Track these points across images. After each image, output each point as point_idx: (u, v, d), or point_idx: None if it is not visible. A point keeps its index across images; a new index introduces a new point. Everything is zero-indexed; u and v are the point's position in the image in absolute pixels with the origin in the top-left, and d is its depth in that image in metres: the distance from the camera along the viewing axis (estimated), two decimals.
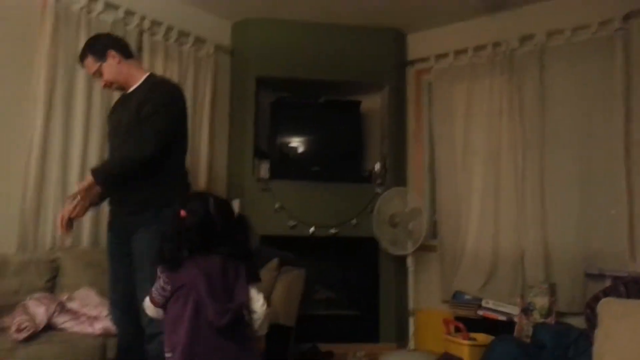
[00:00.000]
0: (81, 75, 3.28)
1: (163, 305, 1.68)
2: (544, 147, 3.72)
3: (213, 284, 1.62)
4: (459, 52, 4.21)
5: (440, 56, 4.32)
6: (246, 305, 1.68)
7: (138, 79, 2.36)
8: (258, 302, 1.72)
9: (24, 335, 2.23)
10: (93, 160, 3.32)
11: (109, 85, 2.36)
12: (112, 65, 2.30)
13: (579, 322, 3.07)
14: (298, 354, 3.64)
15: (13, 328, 2.25)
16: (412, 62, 4.57)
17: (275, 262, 3.44)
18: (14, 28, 3.07)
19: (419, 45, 4.54)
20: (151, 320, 1.87)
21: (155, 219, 2.10)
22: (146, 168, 2.15)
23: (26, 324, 2.26)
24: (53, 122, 3.16)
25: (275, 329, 3.22)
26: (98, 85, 3.30)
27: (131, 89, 2.36)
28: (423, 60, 4.46)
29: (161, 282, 1.66)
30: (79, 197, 2.13)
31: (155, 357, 1.97)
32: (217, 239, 1.69)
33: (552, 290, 3.42)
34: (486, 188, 3.95)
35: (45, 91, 3.11)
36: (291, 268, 3.53)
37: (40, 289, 2.68)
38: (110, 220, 2.38)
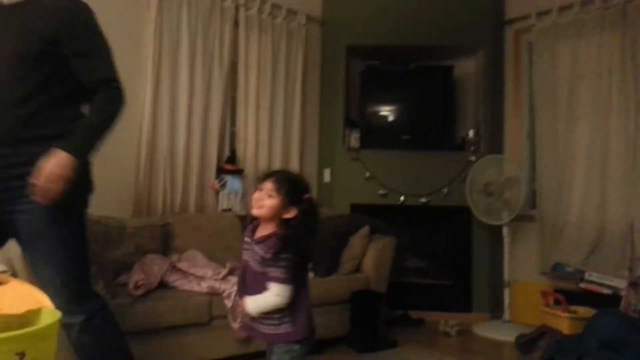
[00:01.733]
0: (184, 55, 3.50)
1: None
2: None
3: None
4: (563, 8, 3.90)
5: (543, 13, 4.02)
6: None
7: None
8: None
9: (140, 291, 2.49)
10: (196, 131, 3.56)
11: None
12: None
13: None
14: (389, 319, 3.72)
15: (131, 285, 2.52)
16: (511, 21, 4.31)
17: (366, 229, 3.50)
18: (124, 8, 3.31)
19: (518, 2, 4.26)
20: (72, 306, 1.72)
21: None
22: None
23: (142, 281, 2.53)
24: (160, 98, 3.42)
25: (367, 294, 3.32)
26: (199, 62, 3.56)
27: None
28: (523, 18, 4.19)
29: (290, 255, 1.66)
30: None
31: (89, 347, 1.81)
32: None
33: None
34: (592, 155, 3.69)
35: (153, 65, 3.36)
36: (382, 236, 3.58)
37: (153, 251, 2.95)
38: None
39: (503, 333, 3.58)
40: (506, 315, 3.82)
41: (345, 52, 4.26)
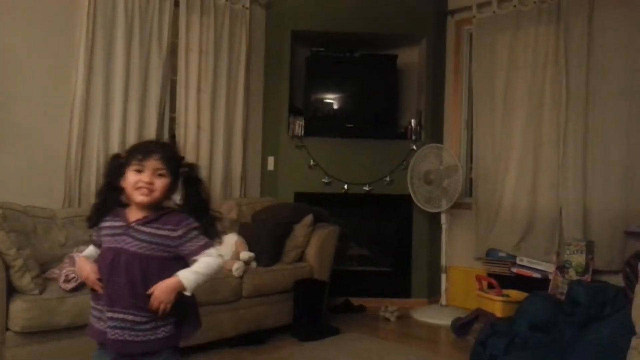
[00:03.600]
0: (120, 35, 3.32)
1: None
2: (588, 101, 3.56)
3: None
4: (503, 0, 4.00)
5: (483, 4, 4.13)
6: None
7: None
8: None
9: (71, 285, 2.36)
10: (133, 116, 3.41)
11: None
12: None
13: (616, 280, 3.05)
14: (332, 307, 3.75)
15: (61, 279, 2.39)
16: (453, 12, 4.39)
17: (309, 218, 3.49)
18: None
19: None
20: None
21: None
22: None
23: (73, 275, 2.40)
24: (94, 81, 3.23)
25: (310, 283, 3.32)
26: (136, 43, 3.39)
27: None
28: (464, 9, 4.28)
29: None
30: None
31: None
32: None
33: (590, 248, 3.37)
34: (526, 144, 3.84)
35: (85, 44, 3.16)
36: (325, 224, 3.58)
37: (85, 242, 2.81)
38: None
39: (440, 317, 3.70)
40: (443, 299, 3.95)
41: (290, 37, 4.20)
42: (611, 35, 3.49)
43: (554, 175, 3.71)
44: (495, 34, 4.06)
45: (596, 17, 3.55)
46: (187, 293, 1.45)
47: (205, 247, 1.49)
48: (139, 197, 1.48)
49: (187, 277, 1.44)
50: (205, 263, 1.47)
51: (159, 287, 1.42)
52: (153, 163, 1.48)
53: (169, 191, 1.52)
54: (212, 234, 1.54)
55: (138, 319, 1.45)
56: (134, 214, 1.52)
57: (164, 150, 1.52)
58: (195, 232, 1.50)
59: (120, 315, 1.45)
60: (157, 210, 1.52)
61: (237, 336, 2.99)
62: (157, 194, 1.49)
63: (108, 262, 1.48)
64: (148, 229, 1.48)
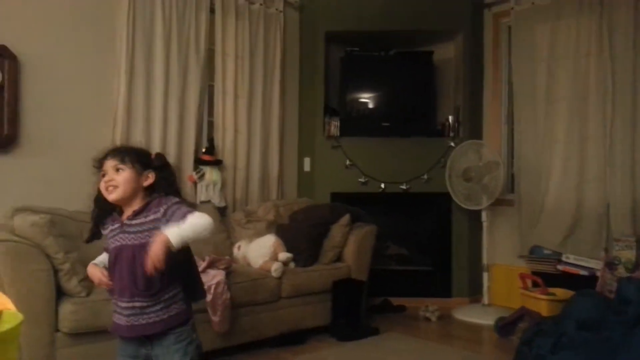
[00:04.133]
0: (159, 42, 3.42)
1: None
2: (635, 92, 3.42)
3: None
4: None
5: None
6: None
7: None
8: None
9: None
10: (173, 122, 3.50)
11: None
12: None
13: None
14: (370, 307, 3.74)
15: None
16: (490, 5, 4.30)
17: (346, 218, 3.49)
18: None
19: None
20: None
21: None
22: None
23: None
24: (135, 88, 3.33)
25: (348, 282, 3.32)
26: (174, 50, 3.48)
27: None
28: (501, 1, 4.19)
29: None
30: None
31: None
32: None
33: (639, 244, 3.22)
34: (570, 138, 3.71)
35: (126, 53, 3.26)
36: (363, 224, 3.57)
37: None
38: None
39: (482, 317, 3.63)
40: (485, 299, 3.86)
41: (324, 38, 4.22)
42: None
43: (601, 169, 3.58)
44: (535, 25, 3.94)
45: None
46: (173, 248, 1.49)
47: (188, 212, 1.56)
48: (109, 196, 1.59)
49: (171, 231, 1.51)
50: (189, 221, 1.52)
51: (150, 250, 1.49)
52: (109, 163, 1.60)
53: (135, 182, 1.60)
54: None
55: (145, 304, 1.57)
56: (125, 214, 1.63)
57: (118, 149, 1.65)
58: (175, 206, 1.58)
59: (130, 304, 1.57)
60: (142, 202, 1.62)
61: (276, 336, 3.02)
62: (122, 188, 1.58)
63: (113, 260, 1.61)
64: (137, 221, 1.59)
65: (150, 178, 1.62)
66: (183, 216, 1.53)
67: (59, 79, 3.07)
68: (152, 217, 1.58)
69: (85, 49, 3.17)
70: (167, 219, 1.56)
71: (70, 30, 3.11)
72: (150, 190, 1.63)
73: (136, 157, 1.62)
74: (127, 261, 1.57)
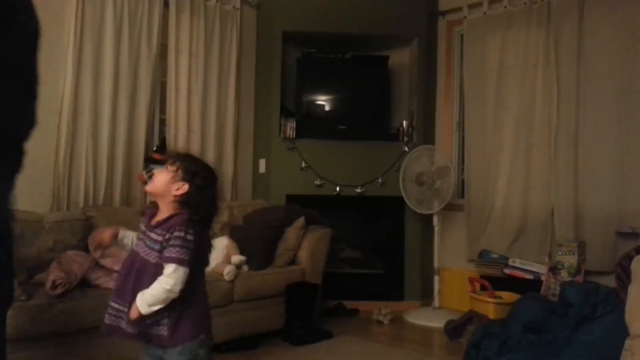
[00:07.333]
0: (109, 36, 3.28)
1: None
2: (579, 102, 3.57)
3: None
4: (493, 1, 4.02)
5: (474, 5, 4.13)
6: None
7: None
8: None
9: (59, 291, 2.31)
10: (122, 119, 3.36)
11: None
12: None
13: (608, 281, 3.04)
14: (324, 311, 3.73)
15: (48, 284, 2.33)
16: (444, 13, 4.39)
17: (301, 220, 3.47)
18: None
19: None
20: None
21: None
22: None
23: (61, 280, 2.35)
24: (82, 83, 3.19)
25: (302, 286, 3.30)
26: (125, 44, 3.35)
27: None
28: (455, 10, 4.28)
29: (190, 237, 1.52)
30: None
31: None
32: None
33: (582, 249, 3.38)
34: (517, 145, 3.84)
35: (74, 45, 3.12)
36: (317, 227, 3.56)
37: (74, 247, 2.77)
38: None
39: (433, 320, 3.69)
40: (436, 302, 3.94)
41: (281, 38, 4.17)
42: (601, 36, 3.51)
43: (546, 176, 3.72)
44: (486, 34, 4.06)
45: (586, 18, 3.57)
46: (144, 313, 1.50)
47: (167, 260, 1.50)
48: (146, 186, 1.68)
49: (140, 300, 1.50)
50: (154, 285, 1.50)
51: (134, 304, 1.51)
52: (169, 162, 1.63)
53: (168, 186, 1.57)
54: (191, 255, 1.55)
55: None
56: (156, 217, 1.60)
57: (181, 155, 1.69)
58: (172, 241, 1.51)
59: (121, 307, 1.55)
60: (169, 213, 1.58)
61: (228, 341, 2.95)
62: (154, 185, 1.60)
63: (130, 259, 1.60)
64: (154, 235, 1.55)
65: (182, 189, 1.56)
66: (165, 261, 1.50)
67: None
68: (160, 237, 1.53)
69: None
70: (163, 247, 1.52)
71: None
72: (184, 203, 1.56)
73: (184, 165, 1.59)
74: (137, 270, 1.56)
